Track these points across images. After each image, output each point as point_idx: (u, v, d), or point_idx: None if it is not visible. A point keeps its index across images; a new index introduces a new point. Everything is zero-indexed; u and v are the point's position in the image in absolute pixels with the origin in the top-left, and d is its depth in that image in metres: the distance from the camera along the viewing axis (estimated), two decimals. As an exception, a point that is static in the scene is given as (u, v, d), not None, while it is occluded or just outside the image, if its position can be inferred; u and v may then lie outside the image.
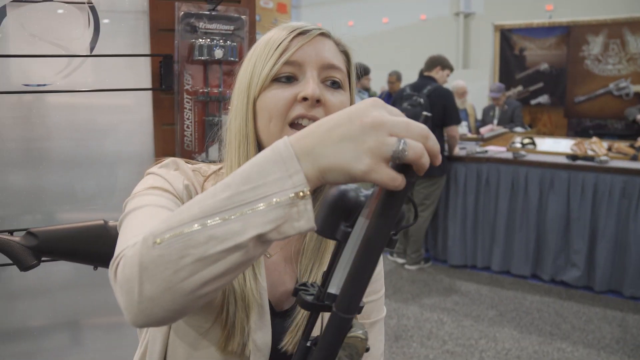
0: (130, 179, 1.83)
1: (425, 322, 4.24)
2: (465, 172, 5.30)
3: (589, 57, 7.26)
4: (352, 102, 0.98)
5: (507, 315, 4.39)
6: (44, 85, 1.74)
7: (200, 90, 1.80)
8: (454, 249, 5.40)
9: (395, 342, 3.90)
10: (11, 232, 1.60)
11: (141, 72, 1.82)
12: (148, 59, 1.82)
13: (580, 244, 4.84)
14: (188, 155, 1.77)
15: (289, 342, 0.93)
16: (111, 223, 1.53)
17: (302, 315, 0.94)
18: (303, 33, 0.93)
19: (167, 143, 1.81)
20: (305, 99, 0.89)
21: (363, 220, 0.65)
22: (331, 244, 0.97)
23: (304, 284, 0.74)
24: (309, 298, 0.70)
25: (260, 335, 0.91)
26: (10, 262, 1.52)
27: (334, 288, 0.67)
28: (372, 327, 1.09)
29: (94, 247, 1.49)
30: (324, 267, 0.95)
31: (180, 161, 0.98)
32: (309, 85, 0.89)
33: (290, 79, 0.91)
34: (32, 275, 1.62)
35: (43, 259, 1.56)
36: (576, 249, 4.87)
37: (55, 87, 1.74)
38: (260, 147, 0.94)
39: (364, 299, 0.97)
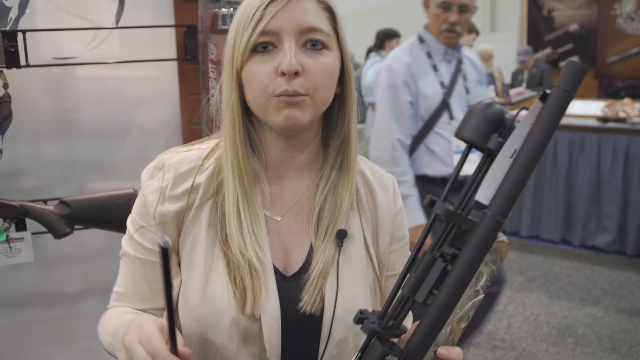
0: (158, 148, 1.80)
1: (452, 287, 4.24)
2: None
3: (620, 15, 6.97)
4: (345, 59, 0.96)
5: (536, 280, 4.38)
6: (73, 57, 1.76)
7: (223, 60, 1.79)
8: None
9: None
10: (45, 202, 1.65)
11: (166, 43, 1.83)
12: (172, 29, 1.83)
13: (611, 208, 4.77)
14: (212, 123, 1.78)
15: (307, 302, 0.93)
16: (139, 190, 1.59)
17: (316, 273, 0.94)
18: None
19: (193, 112, 1.82)
20: (283, 73, 0.88)
21: (518, 133, 0.70)
22: (345, 201, 0.98)
23: (362, 312, 0.77)
24: (374, 326, 0.74)
25: (268, 300, 0.91)
26: (45, 230, 1.60)
27: (481, 196, 0.70)
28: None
29: (124, 215, 1.55)
30: (339, 225, 0.97)
31: (167, 157, 0.99)
32: (286, 59, 0.87)
33: (268, 47, 0.90)
34: (65, 243, 1.69)
35: (76, 227, 1.63)
36: (607, 213, 4.80)
37: (83, 60, 1.77)
38: (249, 115, 0.96)
39: (390, 249, 1.04)
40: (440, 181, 2.58)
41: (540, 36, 7.40)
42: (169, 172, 0.96)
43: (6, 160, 1.73)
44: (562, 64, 7.43)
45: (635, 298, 4.05)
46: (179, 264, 0.97)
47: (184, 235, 0.96)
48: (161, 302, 1.00)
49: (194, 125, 1.85)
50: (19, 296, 1.82)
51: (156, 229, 0.95)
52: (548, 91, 0.70)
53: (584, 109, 5.42)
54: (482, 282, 0.74)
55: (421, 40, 2.68)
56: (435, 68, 2.63)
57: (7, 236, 1.59)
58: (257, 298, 0.90)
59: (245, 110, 0.95)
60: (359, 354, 0.76)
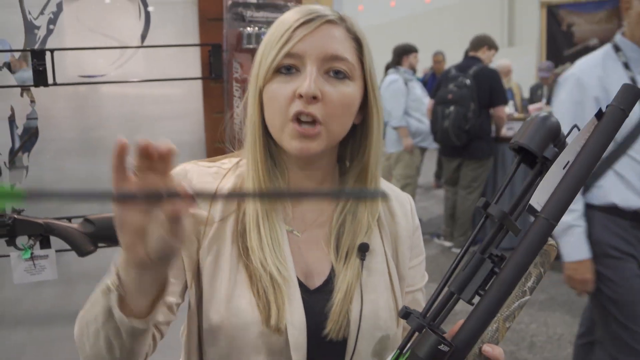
0: None
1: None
2: (512, 154, 5.16)
3: None
4: (369, 89, 0.96)
5: (558, 299, 4.31)
6: (99, 76, 1.78)
7: (249, 79, 1.80)
8: (502, 231, 5.30)
9: (443, 326, 3.88)
10: (69, 219, 1.65)
11: (191, 62, 1.84)
12: (197, 48, 1.84)
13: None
14: (235, 140, 1.78)
15: (333, 329, 0.94)
16: None
17: (340, 297, 0.94)
18: (308, 21, 0.91)
19: (218, 131, 1.76)
20: (301, 96, 0.89)
21: (572, 146, 0.75)
22: (365, 218, 0.99)
23: (407, 307, 0.79)
24: (420, 320, 0.76)
25: (293, 313, 0.91)
26: (69, 247, 1.59)
27: (534, 202, 0.74)
28: (418, 294, 1.10)
29: None
30: (358, 239, 0.98)
31: (190, 166, 0.99)
32: (305, 82, 0.88)
33: (291, 70, 0.91)
34: (89, 260, 1.66)
35: (99, 244, 1.62)
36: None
37: (108, 78, 1.78)
38: (269, 135, 0.96)
39: (409, 264, 1.06)
40: (632, 215, 2.12)
41: (559, 51, 7.37)
42: (191, 181, 0.97)
43: (32, 177, 1.73)
44: None
45: None
46: (193, 272, 0.96)
47: (207, 248, 0.96)
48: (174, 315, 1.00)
49: (218, 143, 1.82)
50: (42, 313, 1.82)
51: None
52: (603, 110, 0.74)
53: None
54: (529, 283, 0.77)
55: (617, 48, 2.17)
56: (633, 81, 2.12)
57: (31, 253, 1.59)
58: (281, 310, 0.90)
59: (267, 128, 0.96)
60: (397, 351, 0.78)
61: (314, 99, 0.89)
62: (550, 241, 0.78)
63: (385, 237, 1.04)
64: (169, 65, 1.82)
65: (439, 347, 0.73)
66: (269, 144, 0.97)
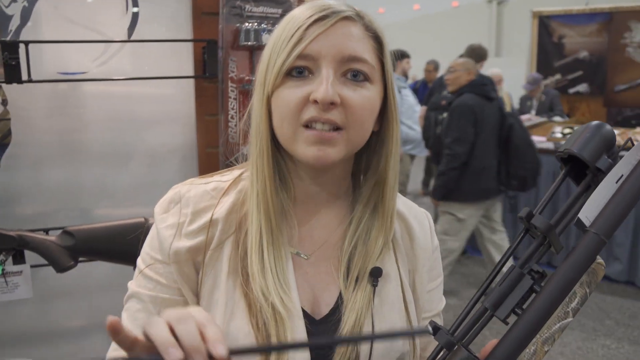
0: (172, 173, 1.80)
1: (464, 318, 4.15)
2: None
3: (630, 44, 7.08)
4: (389, 94, 0.89)
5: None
6: (80, 73, 1.69)
7: (246, 78, 1.73)
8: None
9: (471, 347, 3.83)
10: (46, 231, 1.58)
11: (183, 59, 1.77)
12: (190, 44, 1.77)
13: (622, 237, 4.71)
14: (232, 147, 1.68)
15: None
16: (151, 220, 1.50)
17: (348, 329, 0.87)
18: (322, 18, 0.83)
19: (211, 135, 1.76)
20: (316, 101, 0.80)
21: (628, 159, 0.71)
22: (380, 238, 0.92)
23: (434, 322, 0.73)
24: (450, 337, 0.71)
25: (298, 355, 0.85)
26: (46, 262, 1.51)
27: (583, 216, 0.70)
28: (436, 320, 1.03)
29: (134, 246, 1.43)
30: (370, 263, 0.91)
31: (185, 189, 0.92)
32: (321, 87, 0.80)
33: (304, 72, 0.83)
34: (68, 276, 1.59)
35: (80, 259, 1.55)
36: (619, 242, 4.74)
37: (91, 76, 1.71)
38: (276, 144, 0.88)
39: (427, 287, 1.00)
40: None
41: (550, 62, 7.51)
42: (187, 207, 0.89)
43: (4, 184, 1.66)
44: (571, 90, 7.53)
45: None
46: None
47: (205, 276, 0.88)
48: None
49: (211, 148, 1.78)
50: (17, 333, 1.73)
51: (173, 267, 0.88)
52: None
53: None
54: (573, 304, 0.71)
55: None
56: None
57: (3, 270, 1.50)
58: (283, 353, 0.84)
59: (275, 139, 0.88)
60: None
61: (332, 104, 0.81)
62: (599, 259, 0.73)
63: (401, 259, 0.96)
64: (158, 62, 1.75)
65: None
66: (277, 157, 0.90)
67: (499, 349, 0.70)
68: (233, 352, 0.60)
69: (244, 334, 0.84)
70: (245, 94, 1.71)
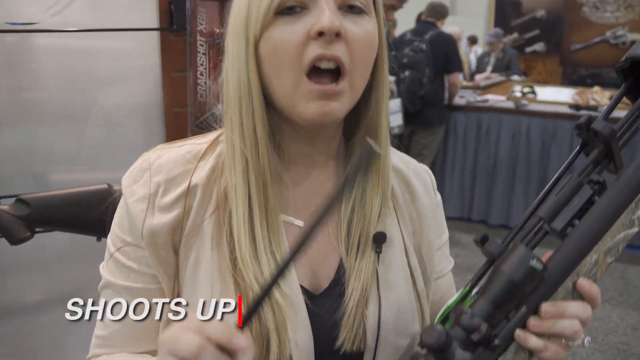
0: (135, 135, 1.72)
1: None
2: (465, 122, 5.20)
3: (587, 3, 7.28)
4: (380, 32, 0.81)
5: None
6: (31, 24, 1.57)
7: (217, 31, 1.66)
8: (451, 200, 5.33)
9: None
10: None
11: (147, 10, 1.69)
12: None
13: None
14: (203, 107, 1.59)
15: (347, 339, 0.80)
16: (116, 187, 1.40)
17: (353, 303, 0.81)
18: None
19: (178, 93, 1.68)
20: (321, 33, 0.71)
21: None
22: (377, 198, 0.86)
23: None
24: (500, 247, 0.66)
25: (297, 330, 0.78)
26: None
27: None
28: (449, 277, 0.99)
29: (97, 216, 1.35)
30: (372, 227, 0.85)
31: (155, 156, 0.83)
32: (324, 16, 0.71)
33: (296, 9, 0.74)
34: (24, 248, 1.49)
35: (37, 230, 1.46)
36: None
37: (43, 27, 1.59)
38: (267, 102, 0.79)
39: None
40: None
41: (507, 21, 7.61)
42: (158, 175, 0.81)
43: None
44: (528, 49, 7.68)
45: (606, 285, 4.07)
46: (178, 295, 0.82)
47: (184, 255, 0.80)
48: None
49: (178, 107, 1.71)
50: None
51: (147, 250, 0.80)
52: None
53: (555, 96, 5.47)
54: None
55: None
56: None
57: None
58: (284, 340, 0.77)
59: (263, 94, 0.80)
60: (467, 287, 0.68)
61: (337, 36, 0.72)
62: None
63: (403, 222, 0.90)
64: (119, 13, 1.67)
65: (530, 261, 0.62)
66: (266, 114, 0.80)
67: (556, 256, 0.66)
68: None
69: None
70: (215, 49, 1.64)
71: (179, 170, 0.81)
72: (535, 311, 0.66)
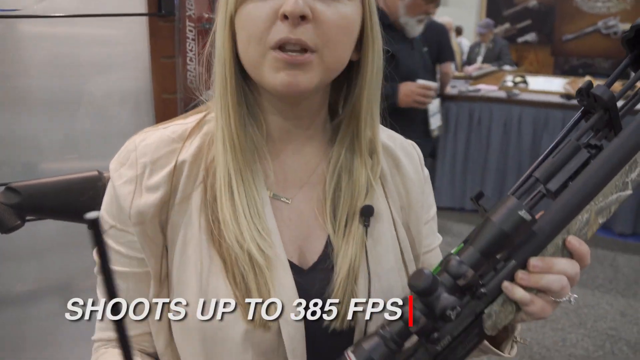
0: (124, 122, 1.71)
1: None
2: (456, 111, 5.20)
3: None
4: (367, 15, 0.79)
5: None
6: (16, 10, 1.56)
7: (206, 17, 1.64)
8: (443, 190, 5.34)
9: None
10: None
11: None
12: None
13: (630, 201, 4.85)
14: (192, 93, 1.58)
15: (336, 317, 0.79)
16: (106, 174, 1.39)
17: (341, 280, 0.80)
18: None
19: (167, 79, 1.67)
20: (286, 16, 0.71)
21: None
22: (363, 175, 0.86)
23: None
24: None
25: (283, 292, 0.77)
26: None
27: None
28: (437, 252, 0.99)
29: (87, 202, 1.39)
30: (359, 202, 0.84)
31: (140, 138, 0.83)
32: None
33: None
34: (15, 236, 1.47)
35: (27, 218, 1.44)
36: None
37: (29, 13, 1.58)
38: (243, 75, 0.80)
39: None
40: None
41: (499, 11, 7.59)
42: (145, 156, 0.80)
43: None
44: (520, 39, 7.68)
45: (596, 272, 4.11)
46: (166, 275, 0.81)
47: (172, 234, 0.80)
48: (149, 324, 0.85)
49: (167, 94, 1.69)
50: None
51: (135, 231, 0.80)
52: None
53: (547, 86, 5.47)
54: (634, 175, 0.68)
55: None
56: None
57: None
58: (265, 300, 0.76)
59: (242, 67, 0.79)
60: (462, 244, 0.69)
61: (303, 19, 0.71)
62: None
63: (390, 197, 0.90)
64: None
65: (519, 212, 0.64)
66: (244, 88, 0.81)
67: (548, 213, 0.68)
68: None
69: (223, 293, 0.77)
70: (204, 34, 1.62)
71: (165, 150, 0.81)
72: (524, 266, 0.67)
